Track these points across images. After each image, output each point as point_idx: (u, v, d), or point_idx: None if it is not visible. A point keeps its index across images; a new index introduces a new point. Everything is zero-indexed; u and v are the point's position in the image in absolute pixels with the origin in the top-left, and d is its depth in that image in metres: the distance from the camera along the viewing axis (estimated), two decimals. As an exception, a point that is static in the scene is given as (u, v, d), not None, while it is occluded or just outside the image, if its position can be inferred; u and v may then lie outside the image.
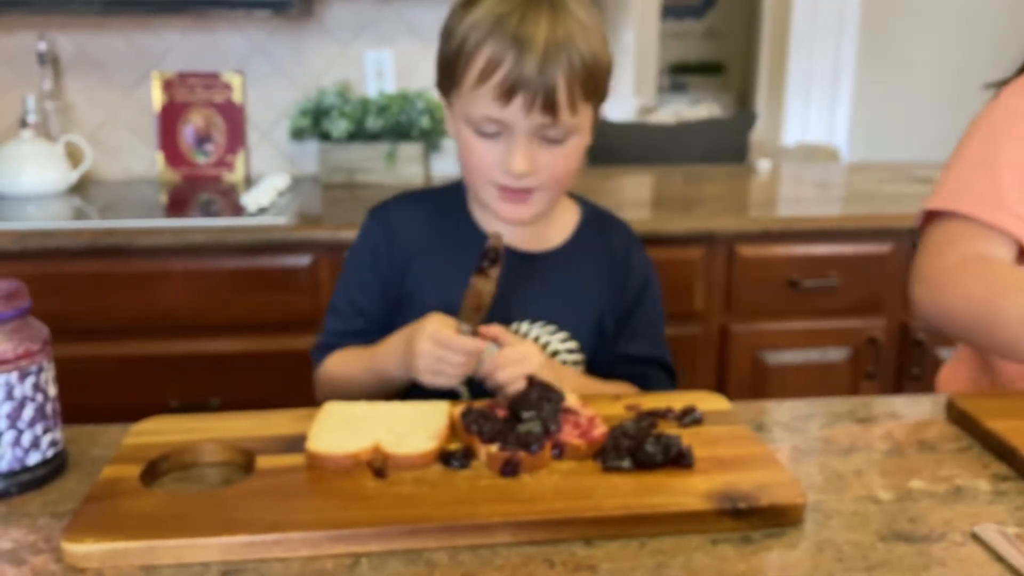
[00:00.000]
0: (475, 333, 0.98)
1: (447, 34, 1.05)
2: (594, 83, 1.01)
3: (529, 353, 0.99)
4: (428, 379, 0.99)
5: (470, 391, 1.09)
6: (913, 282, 1.15)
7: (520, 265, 1.13)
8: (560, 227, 1.17)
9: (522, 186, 1.04)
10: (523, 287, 1.12)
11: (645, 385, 1.14)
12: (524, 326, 1.11)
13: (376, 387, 1.08)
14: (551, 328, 1.12)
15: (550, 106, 0.98)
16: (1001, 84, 1.20)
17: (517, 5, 0.98)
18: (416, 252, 1.15)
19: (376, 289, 1.16)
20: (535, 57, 0.96)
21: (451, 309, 1.05)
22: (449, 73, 1.05)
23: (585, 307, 1.14)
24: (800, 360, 1.99)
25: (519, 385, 0.93)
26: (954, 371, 1.32)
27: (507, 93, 0.98)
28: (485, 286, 0.98)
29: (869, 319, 1.99)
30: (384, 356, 1.06)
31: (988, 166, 1.13)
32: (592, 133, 1.09)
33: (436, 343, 0.97)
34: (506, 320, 1.10)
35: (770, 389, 1.98)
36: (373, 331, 1.12)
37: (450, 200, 1.17)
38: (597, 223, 1.20)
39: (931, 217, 1.17)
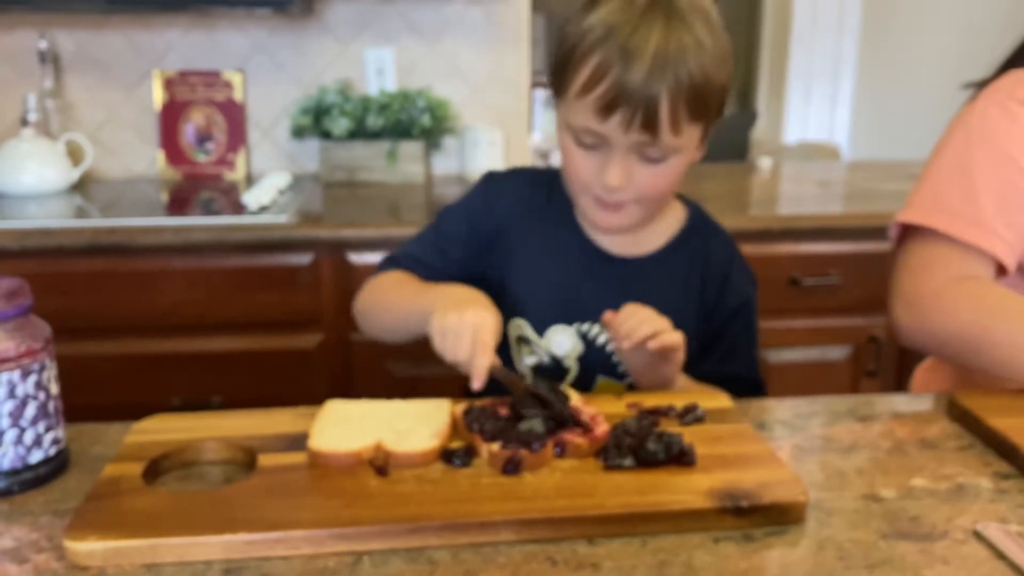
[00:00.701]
0: (491, 371, 0.91)
1: (562, 36, 1.02)
2: (702, 104, 0.97)
3: (652, 314, 0.97)
4: (435, 333, 0.94)
5: (535, 378, 1.10)
6: (894, 303, 1.12)
7: (606, 268, 1.12)
8: (657, 234, 1.14)
9: (616, 200, 1.03)
10: (607, 291, 1.09)
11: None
12: (596, 328, 1.10)
13: (404, 320, 1.04)
14: None
15: (650, 124, 0.95)
16: (981, 85, 1.18)
17: (632, 16, 0.95)
18: (511, 225, 1.14)
19: (461, 238, 1.15)
20: (640, 70, 0.93)
21: (528, 290, 1.09)
22: (558, 77, 1.03)
23: (670, 317, 1.08)
24: (801, 358, 1.99)
25: (665, 340, 0.94)
26: (930, 373, 1.31)
27: (607, 107, 0.95)
28: (522, 388, 0.91)
29: (870, 317, 1.99)
30: (436, 289, 1.02)
31: (964, 179, 1.10)
32: (703, 147, 1.05)
33: (476, 333, 0.91)
34: (582, 319, 1.10)
35: (771, 387, 1.96)
36: (441, 276, 1.10)
37: (558, 186, 1.14)
38: (699, 232, 1.16)
39: (907, 229, 1.14)
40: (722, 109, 1.03)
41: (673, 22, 0.95)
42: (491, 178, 1.19)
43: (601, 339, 1.10)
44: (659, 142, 0.97)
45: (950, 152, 1.13)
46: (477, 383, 0.91)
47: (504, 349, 1.13)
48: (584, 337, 1.10)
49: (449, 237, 1.16)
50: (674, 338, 0.96)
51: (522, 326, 1.12)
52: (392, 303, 1.10)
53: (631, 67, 0.94)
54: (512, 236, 1.14)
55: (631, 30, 0.94)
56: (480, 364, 0.90)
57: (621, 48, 0.94)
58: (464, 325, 0.92)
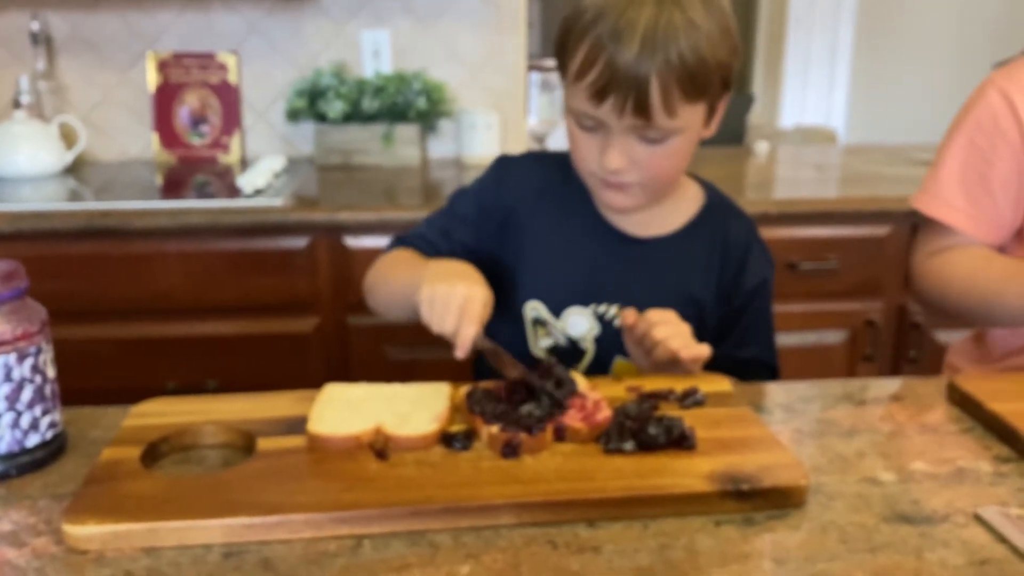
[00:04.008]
0: (475, 342, 0.91)
1: (563, 19, 1.01)
2: (697, 84, 0.95)
3: (673, 316, 0.98)
4: (423, 302, 0.93)
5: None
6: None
7: (624, 249, 1.11)
8: (675, 214, 1.13)
9: (618, 181, 1.02)
10: (621, 271, 1.10)
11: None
12: (613, 309, 1.10)
13: (401, 295, 1.04)
14: None
15: (642, 109, 0.94)
16: (1001, 64, 1.23)
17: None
18: (523, 209, 1.14)
19: (471, 226, 1.16)
20: (629, 50, 0.92)
21: (544, 273, 1.10)
22: (559, 61, 1.03)
23: (685, 300, 1.09)
24: (798, 343, 1.99)
25: (695, 352, 0.96)
26: (961, 343, 1.39)
27: (600, 93, 0.95)
28: (508, 370, 0.90)
29: (867, 302, 1.99)
30: (430, 263, 1.02)
31: (938, 157, 1.25)
32: (714, 124, 1.04)
33: (464, 304, 0.92)
34: (598, 300, 1.10)
35: (768, 371, 1.98)
36: (445, 256, 1.11)
37: (574, 170, 1.13)
38: (718, 214, 1.15)
39: None
40: (728, 85, 1.02)
41: (665, 2, 0.94)
42: (504, 160, 1.20)
43: (618, 321, 1.09)
44: (655, 125, 0.97)
45: (945, 133, 1.26)
46: (461, 352, 0.91)
47: (520, 332, 1.13)
48: (601, 318, 1.10)
49: (457, 218, 1.17)
50: (703, 350, 0.97)
51: (538, 308, 1.12)
52: (391, 279, 1.10)
53: (621, 47, 0.93)
54: (524, 218, 1.14)
55: (621, 11, 0.94)
56: (465, 333, 0.90)
57: (611, 29, 0.93)
58: (453, 296, 0.92)
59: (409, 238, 1.17)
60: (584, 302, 1.11)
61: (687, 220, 1.13)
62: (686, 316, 1.01)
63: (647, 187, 1.04)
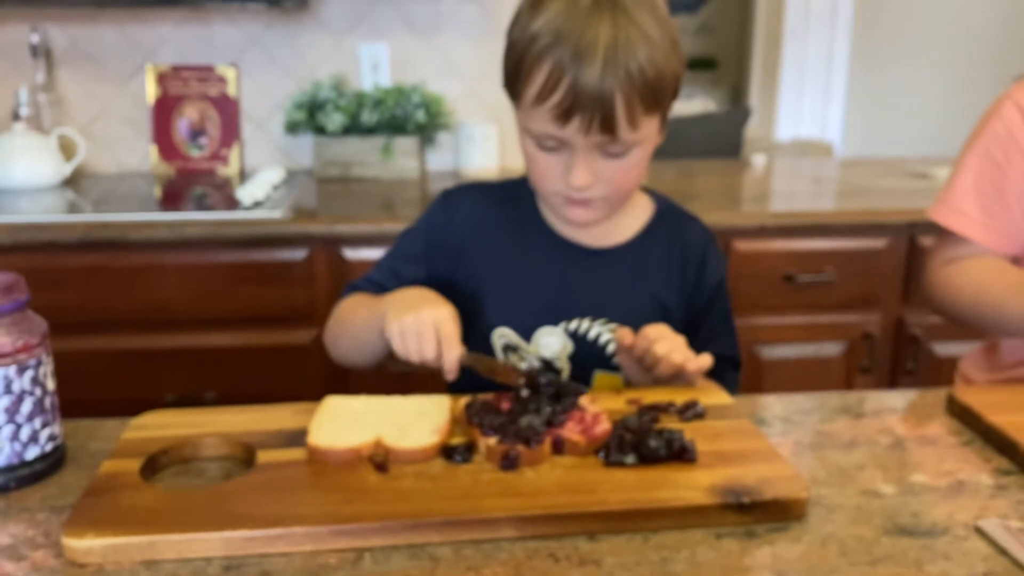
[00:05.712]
0: (461, 361, 0.94)
1: (509, 43, 1.01)
2: (656, 97, 0.97)
3: (668, 331, 0.99)
4: (394, 336, 0.95)
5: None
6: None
7: (583, 262, 1.12)
8: (629, 222, 1.14)
9: (583, 197, 1.03)
10: (585, 284, 1.11)
11: (720, 383, 1.11)
12: (584, 323, 1.10)
13: (364, 337, 1.05)
14: (613, 326, 1.09)
15: (608, 126, 0.95)
16: (1021, 78, 1.25)
17: (579, 17, 0.94)
18: (475, 238, 1.14)
19: (421, 262, 1.15)
20: (593, 70, 0.93)
21: (508, 298, 1.09)
22: (510, 83, 1.02)
23: (650, 304, 1.11)
24: (795, 355, 1.99)
25: (701, 363, 0.96)
26: (973, 352, 1.39)
27: (565, 114, 0.95)
28: (506, 377, 0.93)
29: (864, 314, 1.99)
30: (386, 297, 1.02)
31: (955, 169, 1.27)
32: (664, 131, 1.05)
33: (438, 328, 0.94)
34: (568, 317, 1.10)
35: (765, 384, 1.98)
36: None
37: (519, 192, 1.15)
38: (670, 219, 1.17)
39: None
40: (677, 93, 1.03)
41: (619, 19, 0.94)
42: (448, 194, 1.20)
43: (592, 334, 1.10)
44: (619, 139, 0.98)
45: (963, 145, 1.28)
46: (451, 375, 0.93)
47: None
48: (573, 335, 1.10)
49: (405, 258, 1.17)
50: (706, 360, 0.98)
51: (507, 334, 1.11)
52: (350, 324, 1.11)
53: (584, 68, 0.93)
54: (478, 248, 1.14)
55: (579, 32, 0.94)
56: (451, 357, 0.93)
57: (572, 51, 0.93)
58: (424, 323, 0.94)
59: (359, 284, 1.17)
60: (553, 321, 1.10)
61: (641, 227, 1.15)
62: (652, 319, 1.02)
63: (610, 200, 1.05)
